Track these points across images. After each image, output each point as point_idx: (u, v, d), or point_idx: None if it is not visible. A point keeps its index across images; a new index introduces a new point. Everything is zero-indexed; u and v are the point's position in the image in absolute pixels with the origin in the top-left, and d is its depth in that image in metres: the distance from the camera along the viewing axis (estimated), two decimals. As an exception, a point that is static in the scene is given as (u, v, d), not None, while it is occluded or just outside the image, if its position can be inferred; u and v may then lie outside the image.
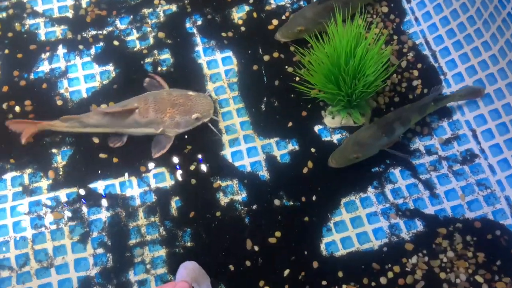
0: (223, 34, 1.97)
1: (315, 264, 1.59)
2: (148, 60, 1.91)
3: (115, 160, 1.72)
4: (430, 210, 1.70)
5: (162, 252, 1.60)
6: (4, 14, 1.97)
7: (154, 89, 1.80)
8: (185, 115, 1.71)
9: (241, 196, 1.69)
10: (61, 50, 1.92)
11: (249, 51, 1.94)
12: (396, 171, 1.76)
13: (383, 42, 1.67)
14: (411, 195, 1.72)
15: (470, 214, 1.69)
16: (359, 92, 1.65)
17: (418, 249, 1.63)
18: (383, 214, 1.69)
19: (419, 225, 1.67)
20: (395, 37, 1.99)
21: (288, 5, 2.05)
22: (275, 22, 1.99)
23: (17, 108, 1.79)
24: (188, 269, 1.47)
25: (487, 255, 1.61)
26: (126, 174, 1.71)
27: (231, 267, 1.58)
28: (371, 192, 1.72)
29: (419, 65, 1.94)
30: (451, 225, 1.67)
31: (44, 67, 1.88)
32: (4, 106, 1.79)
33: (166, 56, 1.92)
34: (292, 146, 1.78)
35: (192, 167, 1.73)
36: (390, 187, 1.73)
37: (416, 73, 1.93)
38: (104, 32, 1.96)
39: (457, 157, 1.79)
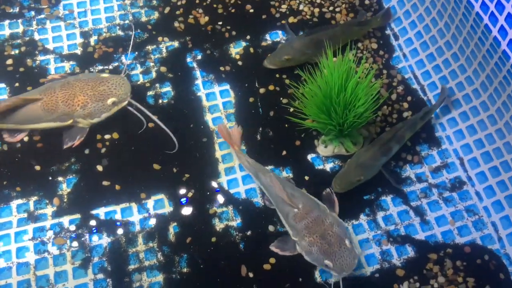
0: (221, 68, 2.09)
1: (309, 290, 1.63)
2: (150, 93, 2.02)
3: (117, 187, 1.80)
4: (421, 236, 1.75)
5: (159, 277, 1.65)
6: (17, 51, 2.10)
7: (327, 204, 1.73)
8: (308, 248, 1.61)
9: (236, 222, 1.75)
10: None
11: (246, 84, 2.05)
12: (388, 199, 1.82)
13: (372, 76, 1.78)
14: (402, 221, 1.78)
15: (460, 239, 1.74)
16: (350, 122, 1.74)
17: (409, 275, 1.67)
18: (375, 241, 1.74)
19: (410, 251, 1.72)
20: (385, 71, 2.11)
21: (283, 41, 2.17)
22: (269, 55, 2.08)
23: (26, 138, 1.87)
24: None
25: (477, 280, 1.66)
26: (127, 201, 1.78)
27: (227, 293, 1.62)
28: (363, 219, 1.78)
29: (409, 98, 2.04)
30: (441, 251, 1.72)
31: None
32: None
33: (167, 89, 2.03)
34: (286, 174, 1.86)
35: (190, 194, 1.80)
36: (382, 214, 1.79)
37: (406, 105, 2.03)
38: (110, 67, 2.08)
39: (446, 184, 1.86)
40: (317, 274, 1.67)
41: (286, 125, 1.95)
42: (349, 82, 1.72)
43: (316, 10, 2.25)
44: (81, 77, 1.86)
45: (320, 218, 1.64)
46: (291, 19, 2.22)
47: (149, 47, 2.13)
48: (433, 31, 2.11)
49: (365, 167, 1.76)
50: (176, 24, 2.20)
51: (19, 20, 2.17)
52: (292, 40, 2.05)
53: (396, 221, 1.78)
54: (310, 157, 1.90)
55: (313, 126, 1.84)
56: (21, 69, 2.05)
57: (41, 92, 1.81)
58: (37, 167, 1.82)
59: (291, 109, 1.95)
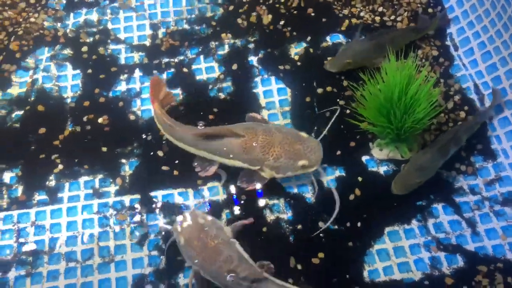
0: (280, 67, 2.15)
1: (356, 288, 1.66)
2: (212, 87, 2.10)
3: (175, 172, 1.89)
4: (471, 247, 1.74)
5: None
6: (91, 39, 2.25)
7: None
8: None
9: (286, 215, 1.80)
10: (137, 73, 2.15)
11: (303, 84, 2.10)
12: (439, 207, 1.82)
13: (433, 83, 1.79)
14: (454, 231, 1.77)
15: (511, 255, 1.72)
16: (408, 127, 1.75)
17: (458, 284, 1.66)
18: (425, 246, 1.74)
19: (460, 261, 1.71)
20: (442, 80, 2.10)
21: (343, 43, 2.21)
22: (330, 58, 2.13)
23: (100, 120, 2.00)
24: None
25: (528, 298, 1.63)
26: (184, 186, 1.86)
27: (275, 282, 1.66)
28: (414, 224, 1.78)
29: (466, 108, 2.03)
30: (491, 264, 1.70)
31: (121, 87, 2.11)
32: (85, 118, 2.02)
33: (227, 84, 2.11)
34: (339, 173, 1.89)
35: (244, 184, 1.83)
36: (432, 221, 1.79)
37: (462, 114, 2.01)
38: (176, 60, 2.18)
39: (498, 198, 1.83)
40: (365, 274, 1.69)
41: (342, 126, 1.98)
42: (411, 86, 1.73)
43: (377, 18, 2.27)
44: (282, 128, 1.80)
45: None
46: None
47: (213, 43, 2.22)
48: (497, 42, 2.09)
49: (425, 169, 1.77)
50: (239, 21, 2.28)
51: (94, 9, 2.32)
52: (353, 44, 2.09)
53: (447, 230, 1.77)
54: (364, 158, 1.92)
55: (370, 128, 1.86)
56: (94, 57, 2.19)
57: (244, 130, 1.74)
58: (104, 149, 1.94)
59: (348, 111, 1.98)
